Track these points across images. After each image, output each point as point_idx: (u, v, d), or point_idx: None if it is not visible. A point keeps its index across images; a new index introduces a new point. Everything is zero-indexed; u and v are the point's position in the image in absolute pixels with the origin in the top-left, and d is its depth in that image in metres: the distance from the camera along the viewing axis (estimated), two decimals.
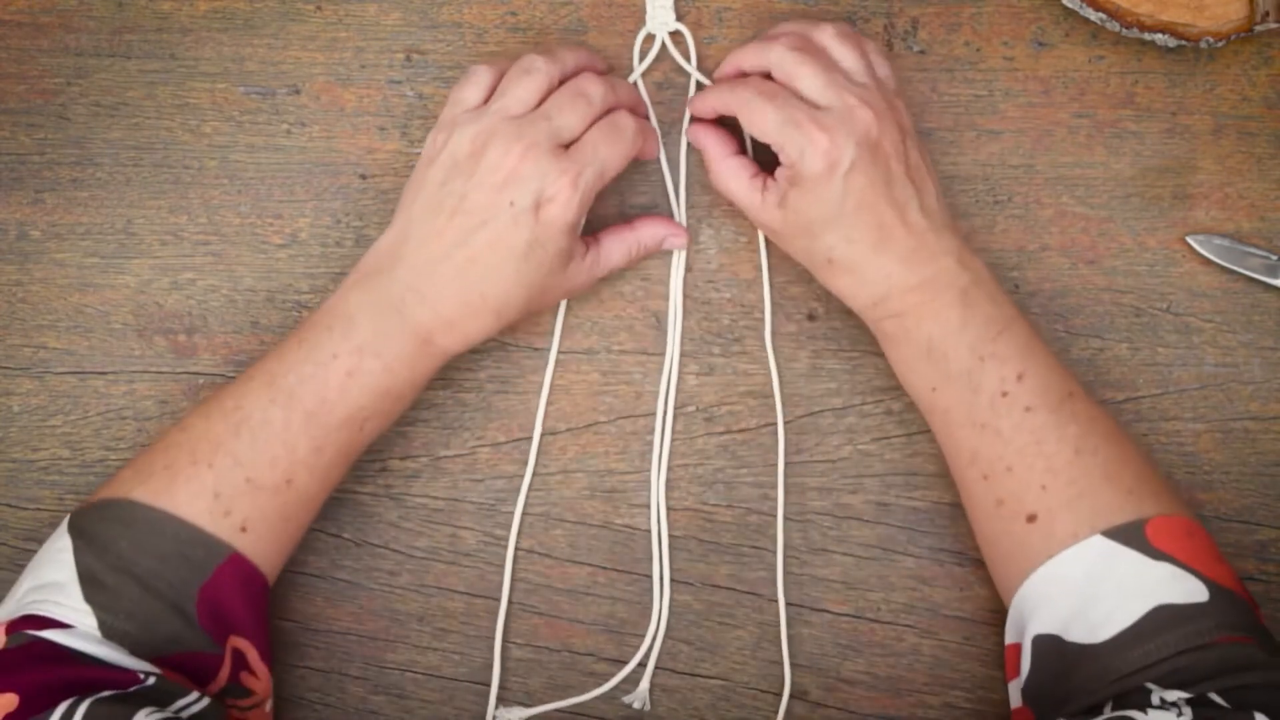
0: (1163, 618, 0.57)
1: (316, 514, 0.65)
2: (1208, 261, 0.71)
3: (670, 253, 0.72)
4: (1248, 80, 0.72)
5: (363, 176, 0.72)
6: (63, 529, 0.61)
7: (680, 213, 0.71)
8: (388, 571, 0.71)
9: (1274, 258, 0.71)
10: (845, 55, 0.64)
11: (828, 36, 0.65)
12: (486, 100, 0.65)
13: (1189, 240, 0.71)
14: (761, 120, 0.63)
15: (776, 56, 0.64)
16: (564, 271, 0.65)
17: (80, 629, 0.58)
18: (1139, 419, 0.71)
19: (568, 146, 0.63)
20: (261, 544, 0.62)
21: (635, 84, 0.71)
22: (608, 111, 0.65)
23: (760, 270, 0.72)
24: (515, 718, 0.70)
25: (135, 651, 0.58)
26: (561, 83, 0.65)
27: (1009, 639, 0.64)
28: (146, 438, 0.71)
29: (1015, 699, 0.63)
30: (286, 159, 0.72)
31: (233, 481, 0.61)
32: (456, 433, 0.72)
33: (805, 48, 0.64)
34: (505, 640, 0.71)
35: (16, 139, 0.72)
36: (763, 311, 0.72)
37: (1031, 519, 0.61)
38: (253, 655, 0.62)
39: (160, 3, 0.73)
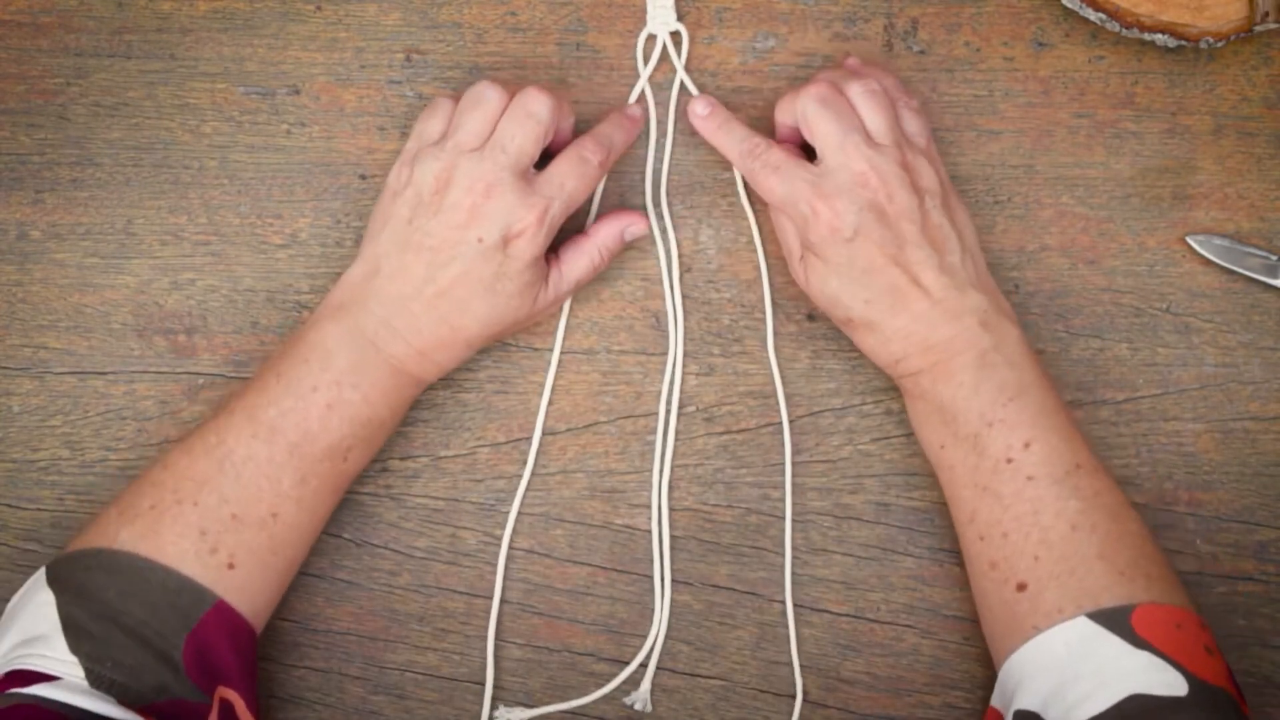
0: (1136, 708, 0.57)
1: (306, 551, 0.66)
2: (1208, 261, 0.71)
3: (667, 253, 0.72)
4: (1248, 80, 0.72)
5: (363, 176, 0.72)
6: (40, 583, 0.61)
7: (663, 206, 0.72)
8: (388, 571, 0.71)
9: (1274, 258, 0.71)
10: (871, 114, 0.65)
11: (855, 91, 0.65)
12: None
13: (1189, 240, 0.71)
14: (769, 194, 0.66)
15: (801, 106, 0.65)
16: (531, 299, 0.66)
17: (67, 680, 0.57)
18: (1139, 419, 0.71)
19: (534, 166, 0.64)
20: (250, 582, 0.62)
21: (643, 91, 0.72)
22: (571, 135, 0.67)
23: (760, 270, 0.72)
24: (516, 718, 0.70)
25: (123, 699, 0.58)
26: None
27: (994, 702, 0.64)
28: (146, 438, 0.71)
29: None
30: (286, 159, 0.72)
31: (219, 518, 0.61)
32: (456, 433, 0.72)
33: (830, 101, 0.64)
34: (505, 640, 0.71)
35: (16, 139, 0.72)
36: (763, 311, 0.72)
37: (1021, 587, 0.61)
38: (240, 706, 0.62)
39: (160, 3, 0.73)
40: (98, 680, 0.57)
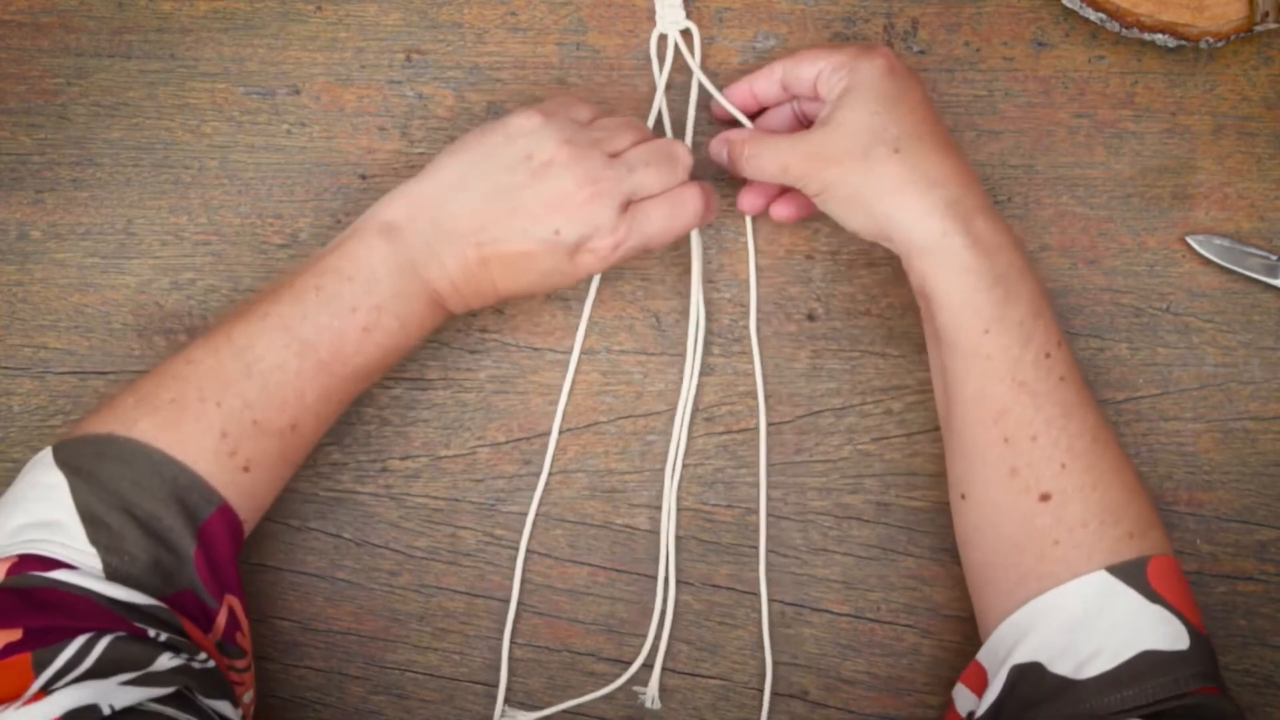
0: (1146, 664, 0.57)
1: (303, 461, 0.66)
2: (1208, 261, 0.71)
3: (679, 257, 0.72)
4: (1248, 80, 0.72)
5: (363, 176, 0.72)
6: (48, 464, 0.60)
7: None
8: (388, 571, 0.71)
9: (1274, 258, 0.71)
10: None
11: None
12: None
13: (1189, 240, 0.71)
14: (815, 50, 0.65)
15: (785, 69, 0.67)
16: (577, 280, 0.66)
17: (86, 569, 0.57)
18: (1139, 419, 0.71)
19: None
20: (259, 486, 0.62)
21: (657, 92, 0.71)
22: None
23: (748, 264, 0.72)
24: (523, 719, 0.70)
25: (140, 590, 0.58)
26: None
27: (981, 658, 0.63)
28: None
29: (964, 701, 0.63)
30: (286, 159, 0.72)
31: (240, 423, 0.61)
32: (456, 433, 0.72)
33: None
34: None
35: (16, 139, 0.72)
36: (763, 310, 0.72)
37: (1045, 498, 0.60)
38: (240, 612, 0.62)
39: (160, 3, 0.73)
40: (114, 573, 0.58)
